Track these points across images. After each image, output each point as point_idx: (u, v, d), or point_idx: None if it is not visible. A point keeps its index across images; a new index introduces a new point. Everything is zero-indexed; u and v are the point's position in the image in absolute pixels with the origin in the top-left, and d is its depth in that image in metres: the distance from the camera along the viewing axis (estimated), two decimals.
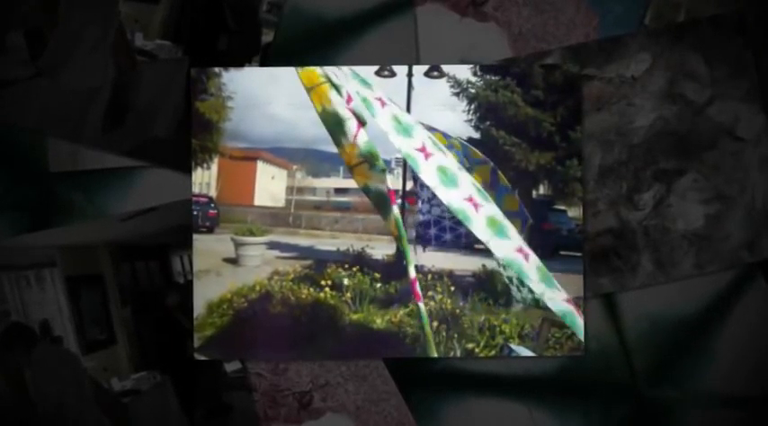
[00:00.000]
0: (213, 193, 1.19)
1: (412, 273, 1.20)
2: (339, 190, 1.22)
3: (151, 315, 1.22)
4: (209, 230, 1.18)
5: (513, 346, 1.19)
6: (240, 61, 1.20)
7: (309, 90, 1.19)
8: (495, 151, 1.21)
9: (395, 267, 1.20)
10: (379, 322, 1.19)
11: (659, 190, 1.20)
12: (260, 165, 1.20)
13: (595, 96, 1.20)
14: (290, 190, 1.22)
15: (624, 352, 1.21)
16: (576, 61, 1.20)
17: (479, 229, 1.18)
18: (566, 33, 1.21)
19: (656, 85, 1.20)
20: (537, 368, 1.21)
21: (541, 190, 1.23)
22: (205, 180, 1.19)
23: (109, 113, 1.19)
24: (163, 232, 1.21)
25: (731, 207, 1.20)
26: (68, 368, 1.19)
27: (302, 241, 1.20)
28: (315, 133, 1.20)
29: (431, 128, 1.20)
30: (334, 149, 1.20)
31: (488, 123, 1.21)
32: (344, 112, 1.19)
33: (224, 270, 1.18)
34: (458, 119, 1.21)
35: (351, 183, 1.21)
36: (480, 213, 1.19)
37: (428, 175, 1.19)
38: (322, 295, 1.18)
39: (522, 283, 1.19)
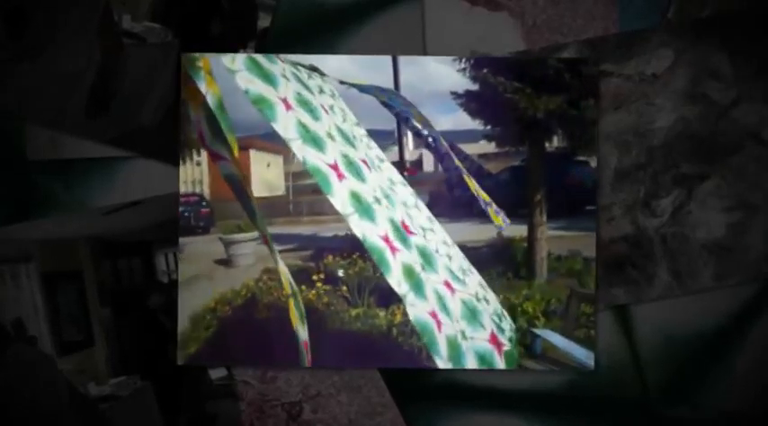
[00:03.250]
0: (206, 190, 1.11)
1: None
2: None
3: (132, 316, 1.17)
4: (205, 230, 1.11)
5: (537, 331, 1.08)
6: (234, 47, 1.14)
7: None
8: (495, 102, 1.09)
9: None
10: (381, 316, 1.09)
11: (679, 196, 1.15)
12: (253, 154, 1.13)
13: (613, 94, 1.15)
14: (288, 175, 1.14)
15: (637, 368, 1.16)
16: (593, 56, 1.14)
17: (394, 278, 1.00)
18: (583, 26, 1.15)
19: (678, 84, 1.15)
20: (544, 383, 1.15)
21: (555, 141, 1.12)
22: (196, 176, 1.11)
23: (92, 99, 1.14)
24: (147, 227, 1.16)
25: (755, 216, 1.15)
26: (42, 371, 1.14)
27: (304, 230, 1.11)
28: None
29: (406, 107, 1.08)
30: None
31: (485, 70, 1.10)
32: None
33: (216, 274, 1.11)
34: (450, 71, 1.11)
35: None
36: (397, 258, 1.01)
37: (339, 200, 1.00)
38: (313, 293, 1.09)
39: None
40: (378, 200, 1.05)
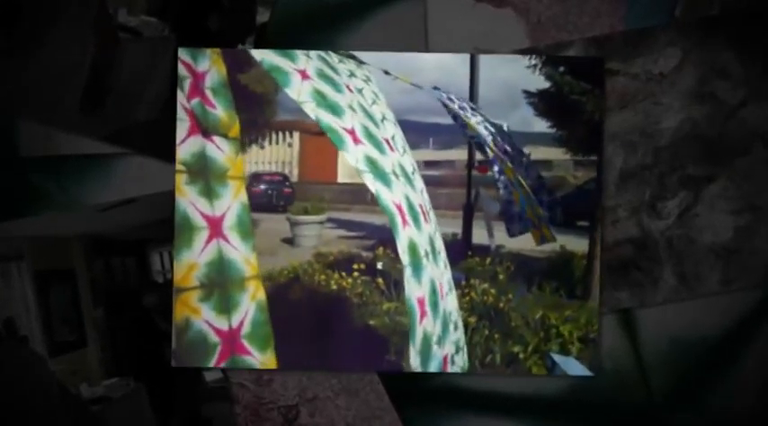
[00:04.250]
0: (294, 171, 1.12)
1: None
2: (429, 163, 1.13)
3: (126, 316, 1.15)
4: (284, 209, 1.12)
5: (556, 357, 1.05)
6: (233, 42, 1.12)
7: None
8: (562, 104, 1.05)
9: (454, 248, 1.10)
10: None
11: (685, 197, 1.13)
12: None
13: (619, 93, 1.13)
14: None
15: (641, 373, 1.13)
16: (599, 54, 1.12)
17: (401, 245, 1.05)
18: (589, 23, 1.13)
19: (686, 83, 1.13)
20: (546, 388, 1.13)
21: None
22: (286, 157, 1.12)
23: (87, 94, 1.12)
24: (142, 225, 1.14)
25: (762, 219, 1.13)
26: (34, 371, 1.12)
27: (376, 219, 1.09)
28: (403, 102, 1.11)
29: (462, 111, 1.07)
30: (424, 119, 1.10)
31: (561, 68, 1.06)
32: None
33: (279, 251, 1.10)
34: (519, 66, 1.09)
35: (442, 156, 1.11)
36: (406, 230, 1.06)
37: (353, 157, 1.06)
38: (348, 282, 1.08)
39: None
40: (396, 175, 1.05)
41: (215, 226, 1.05)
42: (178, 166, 1.05)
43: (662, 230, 1.13)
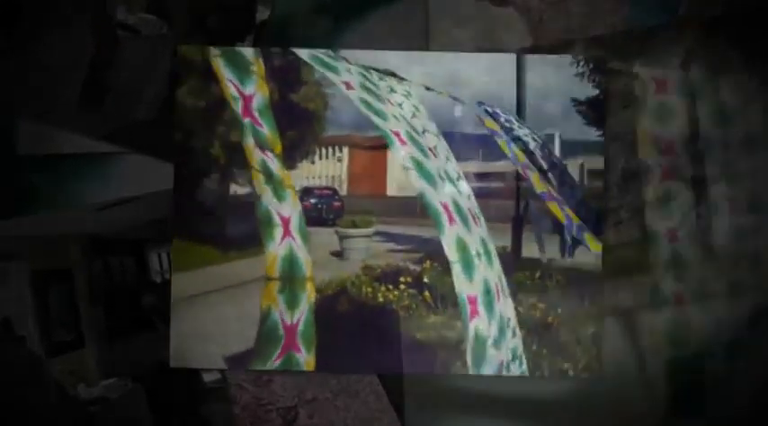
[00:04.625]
0: (344, 185, 1.14)
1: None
2: (479, 175, 1.13)
3: (124, 317, 1.14)
4: (334, 223, 1.14)
5: None
6: (231, 40, 1.12)
7: None
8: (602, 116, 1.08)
9: (503, 261, 1.11)
10: (458, 326, 1.09)
11: (688, 199, 1.12)
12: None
13: (621, 92, 1.12)
14: None
15: (644, 376, 1.12)
16: (601, 53, 1.11)
17: (446, 242, 1.09)
18: (591, 22, 1.12)
19: (689, 83, 1.12)
20: (547, 390, 1.12)
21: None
22: (336, 172, 1.15)
23: (85, 93, 1.12)
24: (140, 225, 1.14)
25: (766, 220, 1.12)
26: (31, 372, 1.11)
27: (425, 232, 1.11)
28: (450, 114, 1.13)
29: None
30: (475, 130, 1.12)
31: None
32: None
33: (329, 265, 1.13)
34: (566, 74, 1.10)
35: (492, 168, 1.12)
36: (453, 228, 1.09)
37: (399, 154, 1.11)
38: (395, 294, 1.10)
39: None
40: (441, 178, 1.09)
41: (286, 225, 1.11)
42: (257, 167, 1.11)
43: (665, 232, 1.12)
